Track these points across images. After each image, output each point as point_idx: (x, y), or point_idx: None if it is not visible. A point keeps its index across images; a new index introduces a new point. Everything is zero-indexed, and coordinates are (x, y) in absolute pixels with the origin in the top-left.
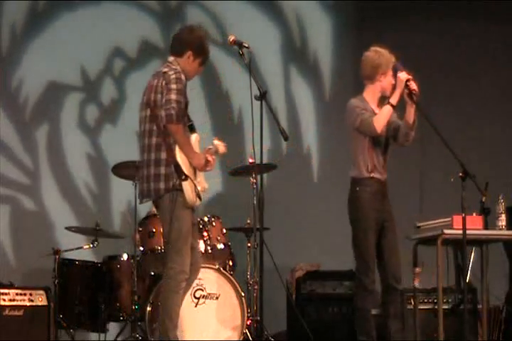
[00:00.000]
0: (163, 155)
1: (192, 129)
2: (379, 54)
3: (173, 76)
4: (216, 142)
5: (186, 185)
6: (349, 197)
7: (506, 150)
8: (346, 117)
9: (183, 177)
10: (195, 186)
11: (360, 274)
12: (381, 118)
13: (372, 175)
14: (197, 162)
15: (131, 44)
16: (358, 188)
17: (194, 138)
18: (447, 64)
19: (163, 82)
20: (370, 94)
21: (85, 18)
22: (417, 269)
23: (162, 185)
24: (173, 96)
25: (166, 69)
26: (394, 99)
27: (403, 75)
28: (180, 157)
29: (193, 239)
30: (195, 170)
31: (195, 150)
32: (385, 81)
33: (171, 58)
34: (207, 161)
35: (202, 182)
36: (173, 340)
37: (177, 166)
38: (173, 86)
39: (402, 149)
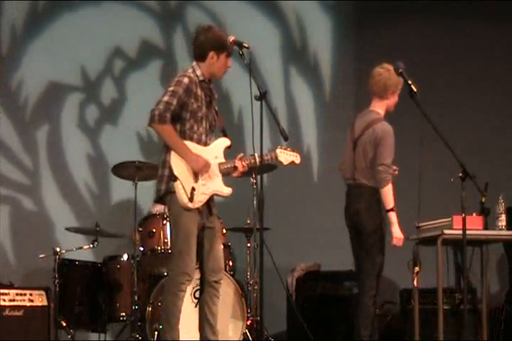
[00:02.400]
0: (166, 157)
1: (224, 134)
2: (391, 73)
3: (175, 79)
4: (279, 151)
5: (177, 187)
6: (371, 205)
7: (506, 151)
8: (382, 138)
9: (172, 178)
10: (189, 188)
11: (371, 275)
12: (388, 195)
13: None
14: (192, 164)
15: (131, 44)
16: (376, 198)
17: (219, 142)
18: (447, 64)
19: None
20: (380, 109)
21: (85, 18)
22: (416, 268)
23: (163, 186)
24: (164, 98)
25: (178, 75)
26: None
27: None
28: (173, 158)
29: (209, 243)
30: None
31: (213, 153)
32: (393, 99)
33: (194, 63)
34: (207, 164)
35: (210, 185)
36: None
37: (170, 167)
38: (170, 88)
39: (401, 149)
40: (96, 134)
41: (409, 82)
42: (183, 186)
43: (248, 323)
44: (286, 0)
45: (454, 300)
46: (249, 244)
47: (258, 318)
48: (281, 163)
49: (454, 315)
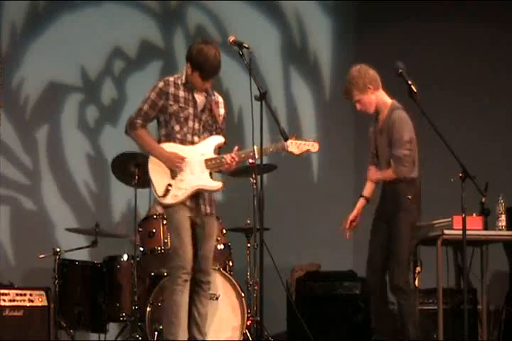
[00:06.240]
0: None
1: (222, 132)
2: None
3: (155, 83)
4: (289, 142)
5: (151, 186)
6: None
7: (506, 151)
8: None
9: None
10: (165, 184)
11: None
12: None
13: None
14: (165, 161)
15: (131, 44)
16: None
17: (210, 139)
18: (447, 64)
19: None
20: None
21: (85, 18)
22: (418, 269)
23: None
24: (139, 105)
25: None
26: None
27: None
28: (150, 160)
29: (198, 243)
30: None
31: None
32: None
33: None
34: (180, 159)
35: (191, 181)
36: (171, 339)
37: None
38: (146, 94)
39: None
40: (96, 134)
41: (409, 82)
42: (153, 184)
43: (248, 323)
44: (286, 0)
45: (454, 300)
46: (249, 244)
47: (258, 318)
48: (292, 153)
49: (454, 315)
